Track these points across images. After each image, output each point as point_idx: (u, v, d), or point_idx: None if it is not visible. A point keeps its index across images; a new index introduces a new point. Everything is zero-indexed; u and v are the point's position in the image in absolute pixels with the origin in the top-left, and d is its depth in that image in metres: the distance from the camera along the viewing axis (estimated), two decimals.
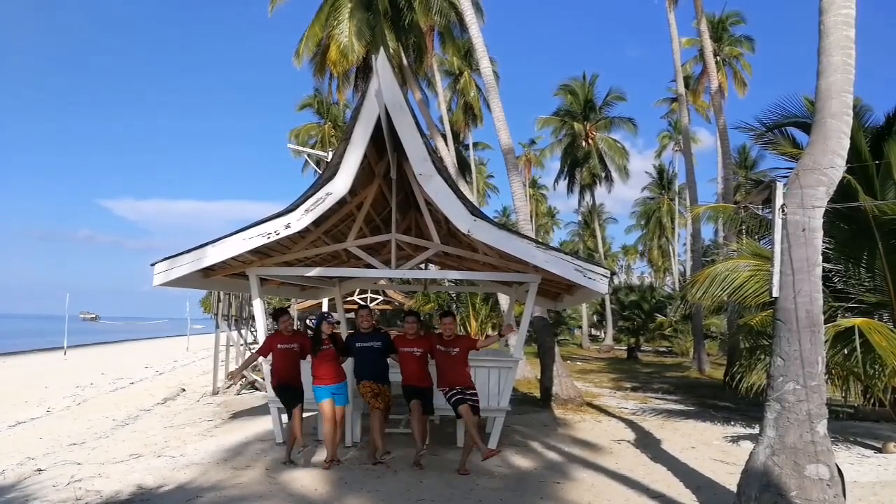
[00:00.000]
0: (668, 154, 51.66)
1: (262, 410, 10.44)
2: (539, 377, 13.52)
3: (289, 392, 7.12)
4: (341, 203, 7.41)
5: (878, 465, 7.66)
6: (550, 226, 68.80)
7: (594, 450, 8.28)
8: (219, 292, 14.99)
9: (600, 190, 41.89)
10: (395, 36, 21.56)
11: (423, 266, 13.43)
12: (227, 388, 14.37)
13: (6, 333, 56.47)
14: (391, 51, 20.47)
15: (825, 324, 5.51)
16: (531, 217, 33.50)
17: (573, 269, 7.09)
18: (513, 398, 8.46)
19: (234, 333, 16.47)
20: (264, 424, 9.00)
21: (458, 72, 34.19)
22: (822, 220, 5.16)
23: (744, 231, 12.19)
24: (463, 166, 33.62)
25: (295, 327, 8.70)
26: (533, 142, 49.37)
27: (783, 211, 5.15)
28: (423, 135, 7.05)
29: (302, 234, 7.76)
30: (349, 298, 24.84)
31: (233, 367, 15.44)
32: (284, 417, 7.42)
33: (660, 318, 29.46)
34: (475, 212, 7.14)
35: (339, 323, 9.43)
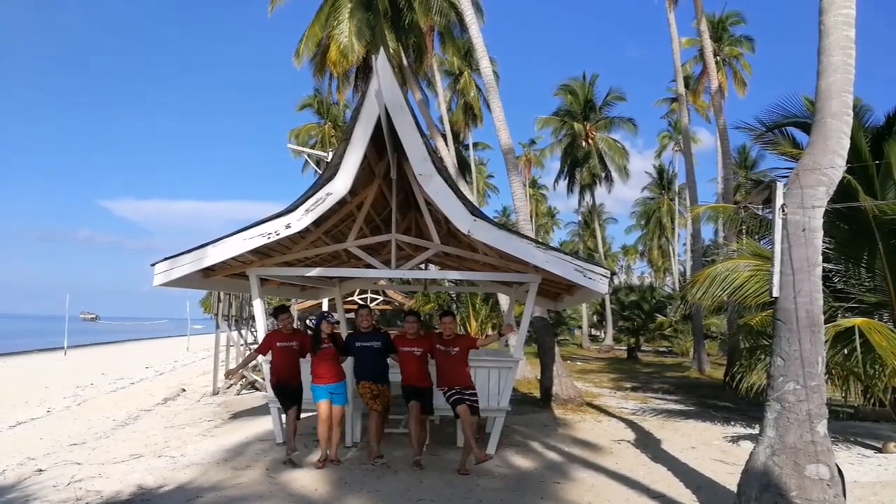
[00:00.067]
0: (668, 154, 51.72)
1: (262, 410, 10.44)
2: (539, 377, 13.52)
3: (287, 391, 7.11)
4: (341, 203, 7.41)
5: (878, 465, 7.66)
6: (550, 226, 68.81)
7: (594, 450, 8.28)
8: (219, 292, 14.99)
9: (600, 190, 41.97)
10: (395, 36, 21.56)
11: (423, 266, 13.43)
12: (228, 388, 14.37)
13: (6, 333, 56.46)
14: (391, 51, 20.48)
15: (825, 324, 5.51)
16: (531, 217, 33.50)
17: (573, 269, 7.09)
18: (513, 398, 8.46)
19: (235, 334, 16.48)
20: (264, 424, 8.99)
21: (458, 72, 34.19)
22: (822, 220, 5.16)
23: (744, 231, 12.19)
24: (463, 166, 33.62)
25: (295, 326, 8.70)
26: (533, 142, 49.44)
27: (783, 211, 5.15)
28: (423, 135, 7.05)
29: (302, 234, 7.76)
30: (349, 298, 24.84)
31: (233, 367, 15.44)
32: (284, 417, 7.42)
33: (660, 318, 29.46)
34: (475, 212, 7.14)
35: (338, 323, 9.43)
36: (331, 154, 16.81)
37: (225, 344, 16.23)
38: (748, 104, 73.90)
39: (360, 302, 26.53)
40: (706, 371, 20.56)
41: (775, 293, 5.22)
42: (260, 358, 7.68)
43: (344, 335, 7.61)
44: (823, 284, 5.30)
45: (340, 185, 6.97)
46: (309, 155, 30.17)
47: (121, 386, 16.86)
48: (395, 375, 7.14)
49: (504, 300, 15.74)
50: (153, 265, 7.50)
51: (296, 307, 22.81)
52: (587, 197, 42.06)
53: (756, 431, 6.77)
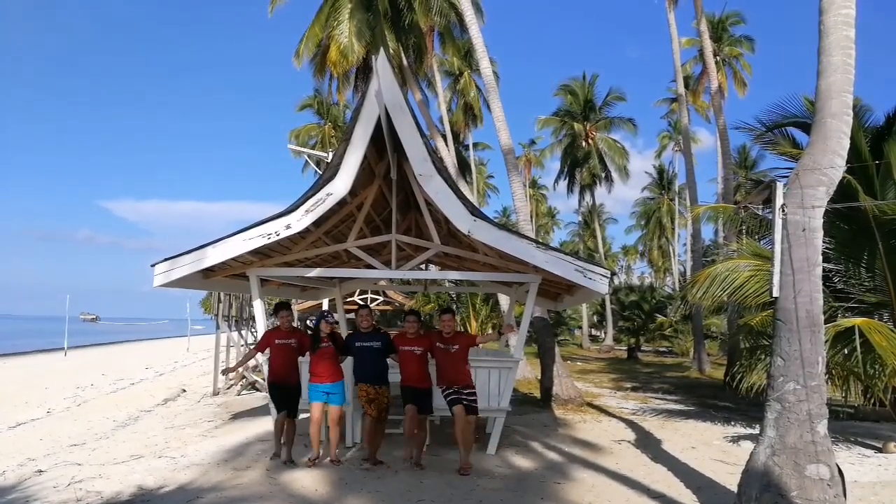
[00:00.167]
0: (668, 154, 51.73)
1: (262, 411, 10.44)
2: (539, 377, 13.53)
3: (283, 391, 7.05)
4: (341, 204, 7.41)
5: (878, 465, 7.66)
6: (550, 226, 68.81)
7: (595, 450, 8.28)
8: (219, 293, 15.00)
9: (600, 190, 41.99)
10: (395, 36, 21.57)
11: (423, 266, 13.44)
12: (228, 388, 14.37)
13: (6, 334, 56.48)
14: (391, 51, 20.47)
15: (825, 324, 5.51)
16: (531, 217, 33.48)
17: (573, 269, 7.10)
18: (513, 398, 8.45)
19: (235, 334, 16.49)
20: (265, 425, 8.99)
21: (458, 72, 34.20)
22: (822, 220, 5.15)
23: (744, 231, 12.19)
24: (463, 166, 33.61)
25: (295, 325, 8.69)
26: (533, 142, 49.46)
27: (783, 211, 5.15)
28: (423, 135, 7.06)
29: (302, 234, 7.76)
30: (349, 299, 24.83)
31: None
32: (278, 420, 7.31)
33: (660, 318, 29.47)
34: (475, 212, 7.14)
35: (337, 322, 9.41)
36: (331, 154, 16.83)
37: (225, 344, 16.23)
38: (748, 104, 73.93)
39: (361, 302, 26.54)
40: (706, 371, 20.56)
41: (775, 293, 5.21)
42: (260, 358, 7.67)
43: (344, 335, 7.61)
44: (823, 284, 5.30)
45: (340, 185, 6.97)
46: (309, 155, 30.19)
47: (121, 387, 16.87)
48: (395, 375, 7.13)
49: (504, 300, 15.74)
50: (153, 266, 7.50)
51: (296, 307, 22.82)
52: (587, 197, 42.10)
53: (756, 431, 6.77)
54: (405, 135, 6.78)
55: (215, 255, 7.41)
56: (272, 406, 7.35)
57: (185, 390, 15.18)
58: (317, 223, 7.71)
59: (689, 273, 28.79)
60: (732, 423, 10.50)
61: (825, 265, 7.01)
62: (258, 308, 8.30)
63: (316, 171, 28.23)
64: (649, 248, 62.34)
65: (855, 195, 8.52)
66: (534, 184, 56.65)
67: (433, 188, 6.94)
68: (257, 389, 14.27)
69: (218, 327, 15.75)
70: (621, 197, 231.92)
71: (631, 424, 10.39)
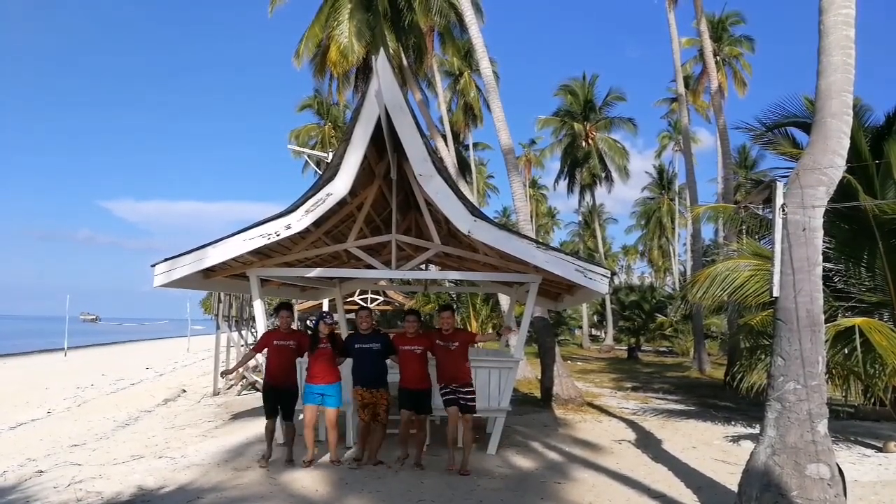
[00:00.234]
0: (668, 154, 51.74)
1: (262, 411, 10.41)
2: (539, 377, 13.52)
3: (279, 394, 6.98)
4: (341, 204, 7.41)
5: (878, 465, 7.66)
6: (550, 226, 68.81)
7: (595, 450, 8.28)
8: (219, 293, 15.00)
9: (600, 190, 42.01)
10: (395, 36, 21.57)
11: (423, 266, 13.44)
12: (228, 388, 14.37)
13: (6, 334, 56.49)
14: (391, 51, 20.48)
15: (825, 323, 5.51)
16: (531, 217, 33.49)
17: (574, 269, 7.10)
18: (513, 398, 8.46)
19: (235, 334, 16.49)
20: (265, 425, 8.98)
21: (458, 72, 34.20)
22: (822, 220, 5.15)
23: (744, 231, 12.18)
24: (463, 166, 33.62)
25: (295, 326, 8.67)
26: (533, 142, 49.46)
27: (783, 211, 5.15)
28: (423, 135, 7.06)
29: (302, 234, 7.77)
30: (350, 299, 24.84)
31: (232, 367, 15.44)
32: (272, 423, 7.19)
33: (660, 318, 29.47)
34: (475, 212, 7.14)
35: (337, 323, 9.39)
36: (331, 155, 16.84)
37: (225, 345, 16.23)
38: (748, 104, 73.95)
39: (361, 302, 26.54)
40: (706, 371, 20.56)
41: (776, 293, 5.21)
42: (260, 358, 7.66)
43: (344, 335, 7.60)
44: (824, 284, 5.30)
45: (340, 185, 6.97)
46: (309, 156, 30.21)
47: (121, 387, 16.87)
48: (394, 375, 7.13)
49: (504, 300, 15.74)
50: (153, 266, 7.50)
51: (296, 308, 22.83)
52: (587, 197, 42.11)
53: (756, 431, 6.76)
54: (405, 135, 6.78)
55: (215, 255, 7.41)
56: (265, 409, 7.18)
57: (185, 390, 15.17)
58: (317, 223, 7.72)
59: (689, 273, 28.79)
60: (733, 422, 10.50)
61: (825, 265, 7.01)
62: (258, 308, 8.30)
63: (316, 172, 28.25)
64: (649, 247, 62.36)
65: (855, 195, 8.52)
66: (534, 184, 56.67)
67: (433, 188, 6.94)
68: (258, 389, 14.26)
69: (218, 327, 15.75)
70: (621, 197, 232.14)
71: (631, 424, 10.39)
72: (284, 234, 7.26)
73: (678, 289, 38.60)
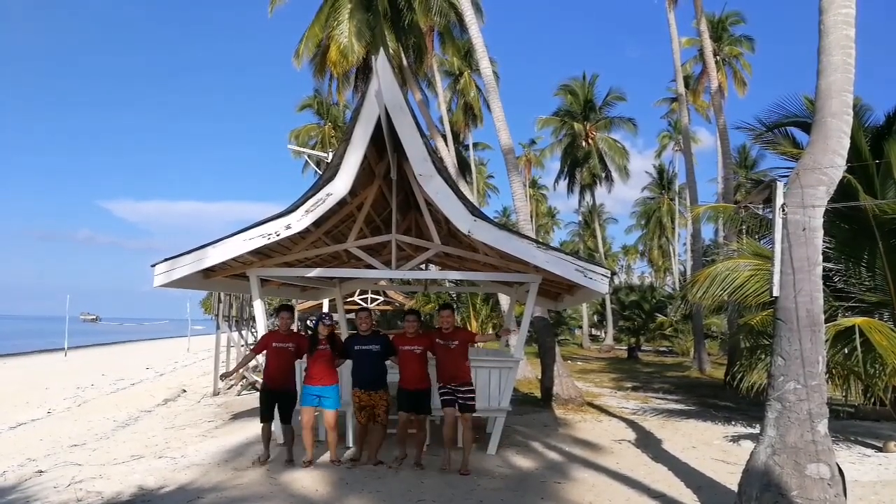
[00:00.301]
0: (668, 154, 51.74)
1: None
2: (539, 377, 13.52)
3: (276, 396, 6.94)
4: (342, 204, 7.41)
5: (878, 465, 7.66)
6: (550, 226, 68.82)
7: (595, 450, 8.28)
8: (219, 293, 15.00)
9: (600, 190, 42.02)
10: (395, 36, 21.57)
11: (423, 266, 13.44)
12: (228, 388, 14.37)
13: (6, 334, 56.49)
14: (391, 51, 20.48)
15: (826, 323, 5.51)
16: (531, 217, 33.49)
17: (574, 269, 7.10)
18: (513, 398, 8.45)
19: (235, 334, 16.48)
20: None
21: (458, 72, 34.21)
22: (822, 220, 5.16)
23: (744, 231, 12.18)
24: (463, 166, 33.63)
25: (296, 327, 8.66)
26: (533, 142, 49.47)
27: (783, 210, 5.15)
28: (423, 135, 7.06)
29: (302, 234, 7.77)
30: (350, 299, 24.85)
31: (231, 368, 15.44)
32: (264, 428, 7.14)
33: (660, 317, 29.48)
34: (475, 212, 7.14)
35: (337, 323, 9.37)
36: (331, 155, 16.84)
37: (225, 345, 16.23)
38: (748, 104, 73.97)
39: (361, 302, 26.56)
40: (706, 371, 20.56)
41: (776, 293, 5.22)
42: (260, 358, 7.65)
43: (345, 335, 7.59)
44: (824, 284, 5.30)
45: (340, 185, 6.97)
46: (309, 156, 30.20)
47: (121, 387, 16.86)
48: (394, 375, 7.13)
49: (504, 300, 15.74)
50: (153, 266, 7.50)
51: (296, 308, 22.85)
52: (587, 197, 42.12)
53: (757, 431, 6.77)
54: (405, 135, 6.78)
55: (215, 255, 7.41)
56: (260, 412, 7.10)
57: (185, 390, 15.17)
58: (317, 223, 7.72)
59: (689, 273, 28.79)
60: (733, 422, 10.50)
61: (825, 264, 7.01)
62: (258, 308, 8.30)
63: (316, 171, 28.24)
64: (649, 247, 62.37)
65: (855, 195, 8.52)
66: (534, 184, 56.67)
67: (433, 188, 6.94)
68: (258, 389, 14.25)
69: (218, 327, 15.75)
70: (621, 197, 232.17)
71: (631, 424, 10.39)
72: (284, 234, 7.26)
73: (678, 289, 38.62)
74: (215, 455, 7.46)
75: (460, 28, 22.27)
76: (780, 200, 5.17)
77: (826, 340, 6.32)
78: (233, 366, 16.17)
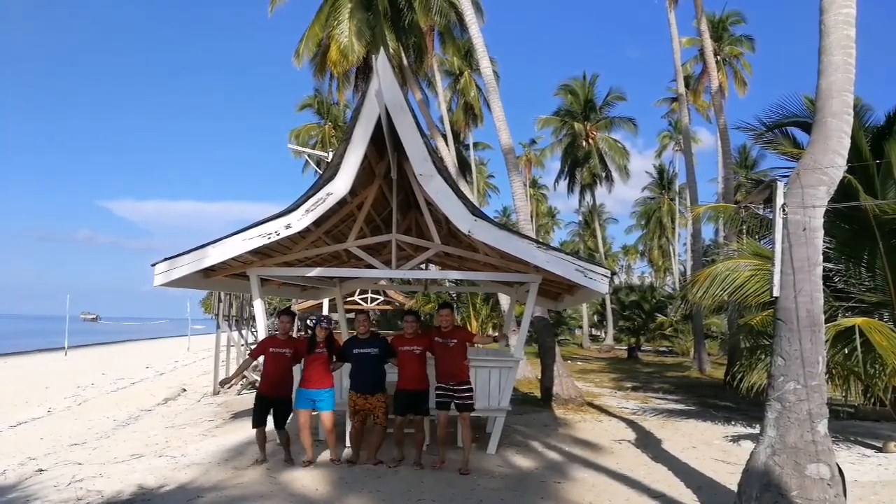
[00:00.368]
0: (669, 154, 51.76)
1: None
2: (539, 377, 13.52)
3: (272, 403, 6.91)
4: (342, 203, 7.41)
5: (878, 465, 7.66)
6: (551, 226, 68.82)
7: (595, 450, 8.28)
8: (219, 293, 15.00)
9: (600, 190, 42.03)
10: (395, 36, 21.57)
11: (423, 266, 13.43)
12: (228, 388, 14.37)
13: (7, 333, 56.48)
14: (391, 51, 20.48)
15: (826, 323, 5.51)
16: (531, 217, 33.50)
17: (574, 269, 7.09)
18: (513, 398, 8.46)
19: (235, 334, 16.49)
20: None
21: (458, 72, 34.21)
22: (822, 220, 5.16)
23: (744, 231, 12.18)
24: (463, 166, 33.62)
25: (295, 331, 8.65)
26: (533, 142, 49.48)
27: (784, 210, 5.15)
28: (423, 135, 7.05)
29: (302, 234, 7.76)
30: (350, 299, 24.85)
31: (233, 367, 15.43)
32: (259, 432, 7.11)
33: (660, 317, 29.49)
34: (476, 212, 7.14)
35: (337, 324, 9.38)
36: (331, 154, 16.83)
37: (225, 344, 16.24)
38: (748, 104, 74.04)
39: (361, 302, 26.57)
40: (706, 371, 20.57)
41: (776, 293, 5.22)
42: (260, 359, 7.65)
43: (345, 335, 7.59)
44: (824, 284, 5.30)
45: (341, 185, 6.96)
46: (309, 155, 30.19)
47: (121, 386, 16.87)
48: (393, 375, 7.11)
49: (504, 300, 15.74)
50: (153, 265, 7.49)
51: (296, 307, 22.85)
52: (587, 197, 42.13)
53: (756, 431, 6.77)
54: (405, 134, 6.78)
55: (215, 255, 7.40)
56: (252, 417, 7.04)
57: (185, 389, 15.18)
58: (317, 223, 7.71)
59: (689, 273, 28.79)
60: (733, 422, 10.50)
61: (826, 265, 7.01)
62: (258, 308, 8.30)
63: (316, 171, 28.23)
64: (649, 247, 62.36)
65: (855, 195, 8.52)
66: (534, 184, 56.66)
67: (433, 188, 6.93)
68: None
69: (218, 327, 15.76)
70: (621, 197, 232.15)
71: (631, 424, 10.39)
72: (284, 233, 7.25)
73: (678, 289, 38.62)
74: (215, 454, 7.46)
75: (460, 28, 22.27)
76: (780, 200, 5.17)
77: (826, 341, 6.33)
78: (233, 365, 16.19)
